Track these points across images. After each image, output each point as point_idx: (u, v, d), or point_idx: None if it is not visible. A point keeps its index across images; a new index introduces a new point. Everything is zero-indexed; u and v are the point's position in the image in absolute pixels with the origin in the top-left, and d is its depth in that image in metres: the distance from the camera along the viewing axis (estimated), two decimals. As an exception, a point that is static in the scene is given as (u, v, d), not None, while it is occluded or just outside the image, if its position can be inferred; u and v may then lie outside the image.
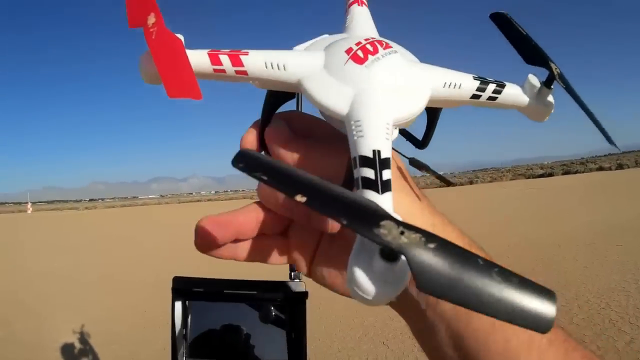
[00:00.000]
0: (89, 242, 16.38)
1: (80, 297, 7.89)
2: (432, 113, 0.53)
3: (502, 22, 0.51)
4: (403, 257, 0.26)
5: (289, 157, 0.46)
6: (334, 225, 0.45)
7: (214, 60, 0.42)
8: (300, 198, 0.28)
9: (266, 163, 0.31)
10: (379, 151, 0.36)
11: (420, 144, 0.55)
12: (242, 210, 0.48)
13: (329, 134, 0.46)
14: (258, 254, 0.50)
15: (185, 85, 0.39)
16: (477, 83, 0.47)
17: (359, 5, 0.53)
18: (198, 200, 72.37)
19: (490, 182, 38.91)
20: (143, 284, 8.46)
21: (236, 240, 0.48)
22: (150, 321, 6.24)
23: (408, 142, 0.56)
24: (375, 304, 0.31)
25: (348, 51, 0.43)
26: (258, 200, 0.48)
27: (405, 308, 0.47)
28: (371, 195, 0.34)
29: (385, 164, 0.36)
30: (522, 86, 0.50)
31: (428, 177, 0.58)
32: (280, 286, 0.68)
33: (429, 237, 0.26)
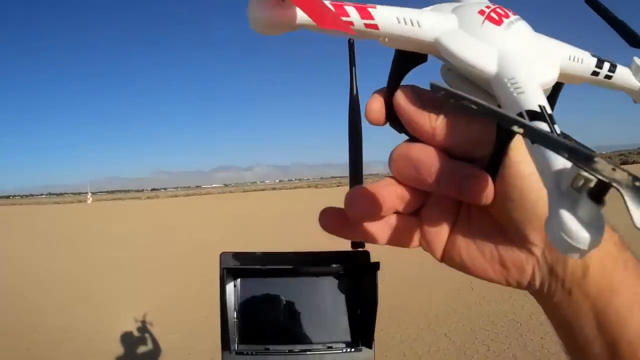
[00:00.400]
0: (150, 231, 16.72)
1: (141, 286, 8.02)
2: (554, 89, 0.48)
3: (596, 6, 0.51)
4: (602, 204, 0.27)
5: (427, 123, 0.42)
6: (488, 196, 0.41)
7: (340, 11, 0.38)
8: (517, 129, 0.28)
9: (449, 90, 0.31)
10: (544, 106, 0.35)
11: None
12: (381, 184, 0.45)
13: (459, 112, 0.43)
14: (392, 235, 0.47)
15: (332, 17, 0.36)
16: (595, 60, 0.47)
17: None
18: (262, 189, 73.50)
19: None
20: (205, 273, 8.24)
21: (370, 219, 0.46)
22: (213, 311, 6.09)
23: None
24: (584, 253, 0.28)
25: (481, 12, 0.42)
26: (390, 175, 0.45)
27: (551, 293, 0.44)
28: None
29: (554, 120, 0.35)
30: (629, 67, 0.50)
31: None
32: (344, 256, 0.62)
33: (635, 177, 0.25)
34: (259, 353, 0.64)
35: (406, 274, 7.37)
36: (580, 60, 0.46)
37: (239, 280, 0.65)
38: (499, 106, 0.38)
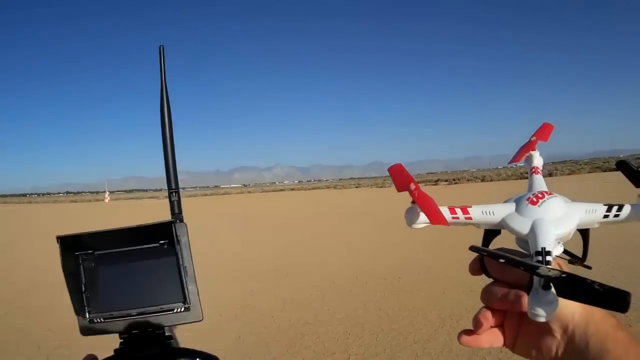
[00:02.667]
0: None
1: None
2: (584, 233, 0.76)
3: (623, 166, 0.77)
4: (551, 290, 0.57)
5: (500, 273, 0.71)
6: (524, 305, 0.65)
7: (452, 211, 0.74)
8: (501, 260, 0.63)
9: (483, 248, 0.69)
10: (544, 247, 0.67)
11: (581, 259, 0.78)
12: (482, 312, 0.72)
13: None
14: (488, 341, 0.73)
15: (440, 218, 0.71)
16: (605, 208, 0.73)
17: (536, 174, 0.87)
18: (281, 190, 73.57)
19: (569, 174, 42.34)
20: (223, 272, 8.71)
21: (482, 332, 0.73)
22: (229, 311, 6.39)
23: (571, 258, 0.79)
24: (544, 318, 0.59)
25: (528, 199, 0.75)
26: (484, 306, 0.73)
27: (550, 346, 0.68)
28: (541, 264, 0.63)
29: (548, 253, 0.66)
30: (632, 205, 0.74)
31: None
32: (161, 228, 0.79)
33: (561, 271, 0.56)
34: (106, 319, 0.80)
35: (421, 276, 7.56)
36: (594, 211, 0.73)
37: (78, 257, 0.80)
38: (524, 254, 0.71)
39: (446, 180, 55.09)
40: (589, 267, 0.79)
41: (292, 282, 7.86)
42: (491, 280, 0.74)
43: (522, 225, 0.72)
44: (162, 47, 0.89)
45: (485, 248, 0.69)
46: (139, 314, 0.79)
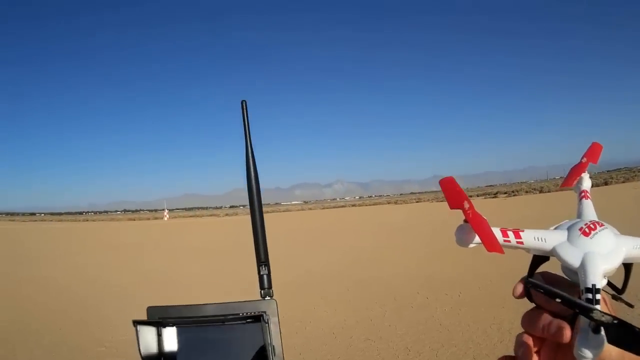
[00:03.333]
0: (228, 246, 16.80)
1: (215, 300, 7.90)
2: (627, 267, 0.74)
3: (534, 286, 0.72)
4: (600, 334, 0.57)
5: (545, 302, 0.70)
6: (567, 337, 0.64)
7: (504, 234, 0.73)
8: (557, 300, 0.61)
9: (541, 285, 0.66)
10: (594, 284, 0.65)
11: (620, 290, 0.75)
12: (523, 337, 0.73)
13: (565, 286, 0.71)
14: None
15: (496, 245, 0.69)
16: None
17: (586, 199, 0.86)
18: (342, 206, 74.00)
19: (624, 182, 42.97)
20: (282, 287, 8.30)
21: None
22: (290, 324, 6.37)
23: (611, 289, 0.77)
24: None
25: (580, 229, 0.73)
26: (523, 332, 0.73)
27: None
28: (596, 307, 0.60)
29: (597, 291, 0.65)
30: None
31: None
32: (249, 306, 0.79)
33: (614, 317, 0.54)
34: None
35: (482, 290, 7.48)
36: None
37: (160, 330, 0.77)
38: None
39: (505, 193, 55.81)
40: (631, 306, 0.77)
41: (354, 297, 7.83)
42: (533, 305, 0.73)
43: (573, 258, 0.71)
44: (244, 102, 0.90)
45: (543, 285, 0.67)
46: None
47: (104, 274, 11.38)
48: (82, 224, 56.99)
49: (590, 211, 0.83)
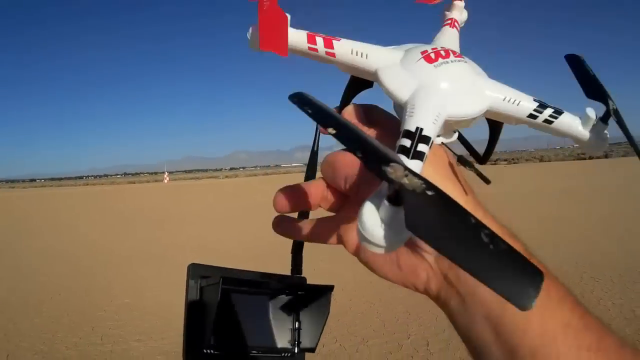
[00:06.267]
0: (227, 210, 16.88)
1: (217, 262, 7.95)
2: (494, 129, 0.60)
3: (575, 61, 0.59)
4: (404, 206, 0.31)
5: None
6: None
7: (311, 40, 0.54)
8: (331, 130, 0.35)
9: (315, 103, 0.39)
10: (421, 129, 0.45)
11: (482, 158, 0.63)
12: (311, 183, 0.57)
13: (394, 126, 0.51)
14: (316, 233, 0.59)
15: (277, 42, 0.51)
16: (535, 104, 0.53)
17: (450, 27, 0.64)
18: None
19: (624, 156, 43.01)
20: (282, 250, 8.31)
21: (301, 215, 0.63)
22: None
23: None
24: (380, 250, 0.34)
25: (423, 52, 0.53)
26: (322, 176, 0.57)
27: (447, 299, 0.51)
28: (400, 158, 0.35)
29: (424, 139, 0.44)
30: (580, 116, 0.55)
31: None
32: (283, 279, 0.80)
33: (429, 185, 0.30)
34: (217, 352, 0.77)
35: None
36: (517, 103, 0.53)
37: (203, 289, 0.77)
38: None
39: (505, 160, 55.89)
40: (488, 181, 0.61)
41: (354, 260, 7.71)
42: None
43: (402, 86, 0.50)
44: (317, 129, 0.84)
45: (316, 103, 0.39)
46: (251, 352, 0.80)
47: (104, 240, 11.49)
48: (83, 189, 57.16)
49: (451, 40, 0.62)
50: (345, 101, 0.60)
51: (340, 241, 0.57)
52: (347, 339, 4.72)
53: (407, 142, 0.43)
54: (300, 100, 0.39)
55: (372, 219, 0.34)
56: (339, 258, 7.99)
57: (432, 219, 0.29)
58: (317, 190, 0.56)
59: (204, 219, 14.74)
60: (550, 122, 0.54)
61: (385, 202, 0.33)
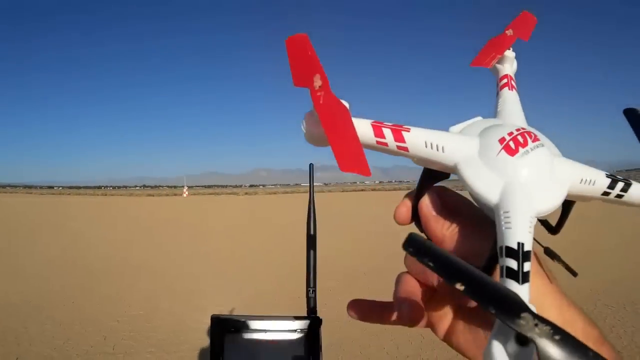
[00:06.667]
0: (245, 226, 16.92)
1: (230, 281, 8.16)
2: (567, 205, 0.59)
3: (633, 115, 0.63)
4: (530, 346, 0.34)
5: (439, 230, 0.55)
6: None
7: (378, 132, 0.51)
8: (459, 286, 0.35)
9: (433, 250, 0.37)
10: (522, 244, 0.43)
11: (554, 230, 0.62)
12: (402, 277, 0.60)
13: (475, 215, 0.55)
14: (403, 317, 0.57)
15: (356, 160, 0.45)
16: (608, 181, 0.53)
17: (509, 89, 0.63)
18: (362, 190, 74.26)
19: None
20: (298, 269, 8.28)
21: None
22: (304, 308, 6.12)
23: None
24: None
25: (501, 141, 0.50)
26: (406, 271, 0.61)
27: None
28: (512, 285, 0.41)
29: (526, 256, 0.42)
30: None
31: None
32: (298, 320, 0.86)
33: (556, 330, 0.32)
34: None
35: None
36: (592, 183, 0.53)
37: (224, 337, 0.85)
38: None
39: None
40: (575, 274, 0.63)
41: (369, 282, 7.68)
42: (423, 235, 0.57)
43: (489, 188, 0.48)
44: (312, 165, 0.94)
45: (437, 251, 0.38)
46: None
47: (120, 250, 11.46)
48: (100, 198, 57.48)
49: (515, 110, 0.60)
50: (420, 192, 0.58)
51: (430, 326, 0.61)
52: (362, 361, 4.65)
53: (513, 264, 0.42)
54: (417, 251, 0.38)
55: (501, 356, 0.36)
56: (352, 277, 8.15)
57: (559, 358, 0.31)
58: (407, 284, 0.59)
59: (221, 234, 14.69)
60: (621, 197, 0.54)
61: (514, 344, 0.35)
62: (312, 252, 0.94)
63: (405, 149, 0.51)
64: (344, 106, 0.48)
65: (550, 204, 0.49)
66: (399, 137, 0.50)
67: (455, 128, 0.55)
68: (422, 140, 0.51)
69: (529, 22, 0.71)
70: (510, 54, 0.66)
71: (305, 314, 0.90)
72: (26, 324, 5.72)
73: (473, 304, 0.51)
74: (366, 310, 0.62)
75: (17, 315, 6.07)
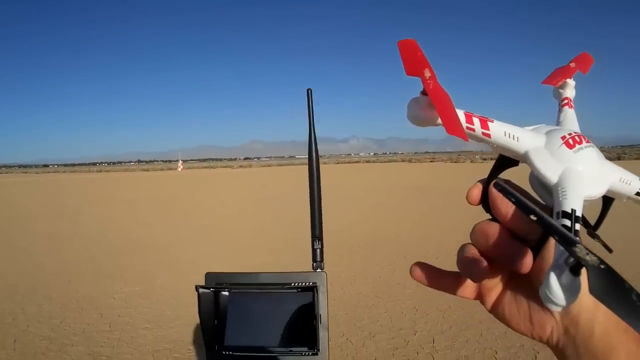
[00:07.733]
0: (240, 200, 16.90)
1: (226, 254, 8.26)
2: (607, 202, 0.68)
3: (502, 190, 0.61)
4: (580, 276, 0.45)
5: (503, 208, 0.62)
6: (526, 266, 0.58)
7: (469, 120, 0.61)
8: (532, 217, 0.45)
9: (516, 195, 0.50)
10: (575, 210, 0.54)
11: (593, 227, 0.67)
12: (464, 252, 0.64)
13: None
14: (457, 289, 0.69)
15: (459, 128, 0.56)
16: None
17: (569, 107, 0.76)
18: (357, 162, 74.19)
19: (637, 159, 44.15)
20: (295, 242, 8.69)
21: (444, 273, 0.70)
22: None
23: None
24: (558, 308, 0.47)
25: (562, 138, 0.63)
26: (469, 242, 0.65)
27: (565, 347, 0.59)
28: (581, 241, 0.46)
29: (577, 219, 0.54)
30: None
31: None
32: (301, 276, 0.86)
33: (602, 261, 0.40)
34: (235, 354, 0.85)
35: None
36: (629, 183, 0.63)
37: (216, 294, 0.86)
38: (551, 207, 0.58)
39: None
40: (610, 250, 0.70)
41: (365, 254, 7.87)
42: (489, 217, 0.65)
43: (551, 170, 0.60)
44: (310, 90, 0.95)
45: (516, 194, 0.51)
46: (268, 353, 0.85)
47: (116, 227, 11.57)
48: (96, 175, 57.31)
49: (573, 122, 0.73)
50: (492, 176, 0.66)
51: (479, 297, 0.68)
52: (354, 333, 4.73)
53: (567, 222, 0.53)
54: (504, 191, 0.52)
55: (557, 285, 0.46)
56: (348, 254, 8.13)
57: (604, 285, 0.39)
58: (471, 254, 0.63)
59: (217, 209, 14.79)
60: None
61: (568, 273, 0.45)
62: (316, 198, 0.95)
63: (488, 135, 0.61)
64: (447, 93, 0.58)
65: (596, 190, 0.60)
66: (484, 126, 0.61)
67: (527, 128, 0.66)
68: (502, 130, 0.62)
69: (588, 61, 0.86)
70: (571, 82, 0.80)
71: (310, 269, 0.91)
72: (23, 304, 5.80)
73: (526, 269, 0.58)
74: (429, 273, 0.70)
75: (14, 296, 6.15)
